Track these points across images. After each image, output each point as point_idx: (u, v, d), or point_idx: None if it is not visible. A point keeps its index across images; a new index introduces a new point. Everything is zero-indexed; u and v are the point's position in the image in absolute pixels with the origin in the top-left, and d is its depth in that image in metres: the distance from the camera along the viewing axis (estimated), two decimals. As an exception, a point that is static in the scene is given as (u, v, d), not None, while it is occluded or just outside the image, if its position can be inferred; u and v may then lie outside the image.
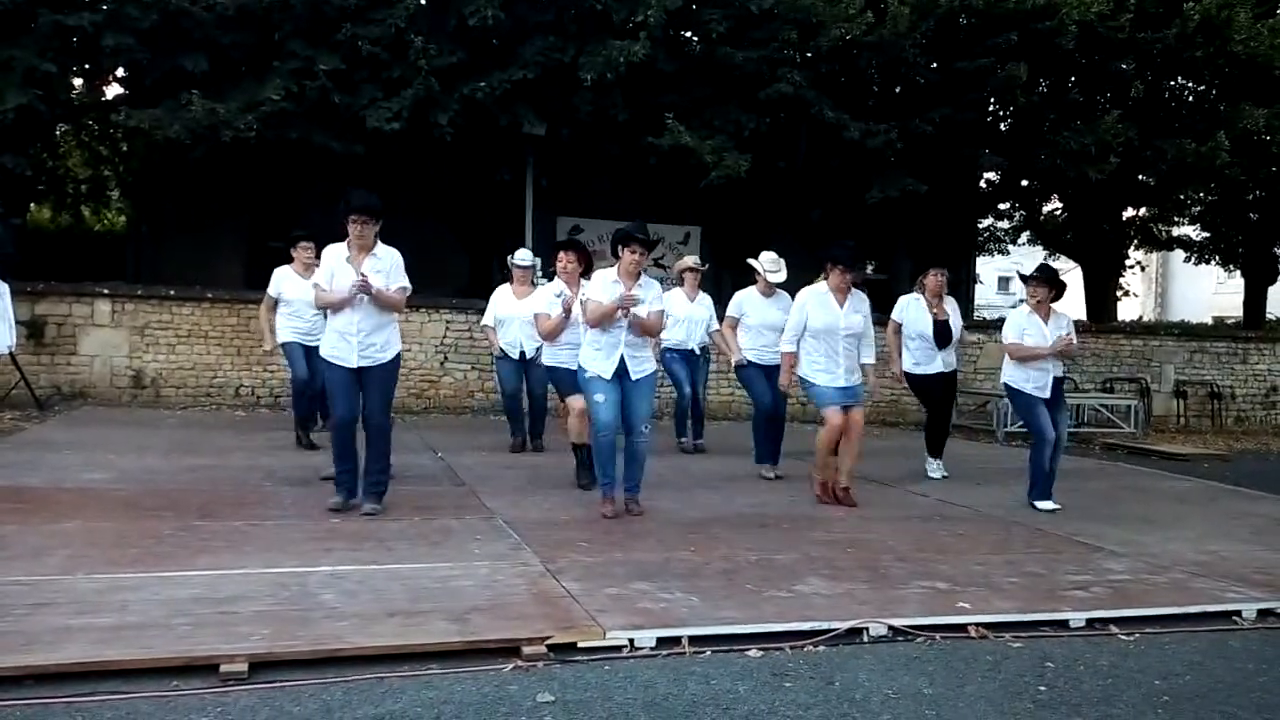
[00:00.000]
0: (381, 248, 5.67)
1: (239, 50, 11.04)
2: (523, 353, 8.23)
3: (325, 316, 5.89)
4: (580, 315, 6.10)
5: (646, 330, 5.95)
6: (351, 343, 5.59)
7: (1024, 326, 6.90)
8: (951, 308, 8.07)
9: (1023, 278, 7.18)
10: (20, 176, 11.41)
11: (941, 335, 7.88)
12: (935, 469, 8.11)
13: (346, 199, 5.54)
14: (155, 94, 11.17)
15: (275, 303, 7.92)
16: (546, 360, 7.09)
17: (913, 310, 7.99)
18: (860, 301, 6.74)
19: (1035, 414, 6.86)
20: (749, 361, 7.70)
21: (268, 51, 10.99)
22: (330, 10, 10.77)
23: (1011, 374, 6.98)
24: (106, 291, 11.22)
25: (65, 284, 11.19)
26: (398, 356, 5.80)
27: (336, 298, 5.55)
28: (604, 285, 5.88)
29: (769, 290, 7.75)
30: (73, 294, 11.05)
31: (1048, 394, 6.85)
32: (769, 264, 7.73)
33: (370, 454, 5.77)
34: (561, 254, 6.89)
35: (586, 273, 6.61)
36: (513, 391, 8.49)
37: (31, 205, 16.04)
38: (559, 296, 6.64)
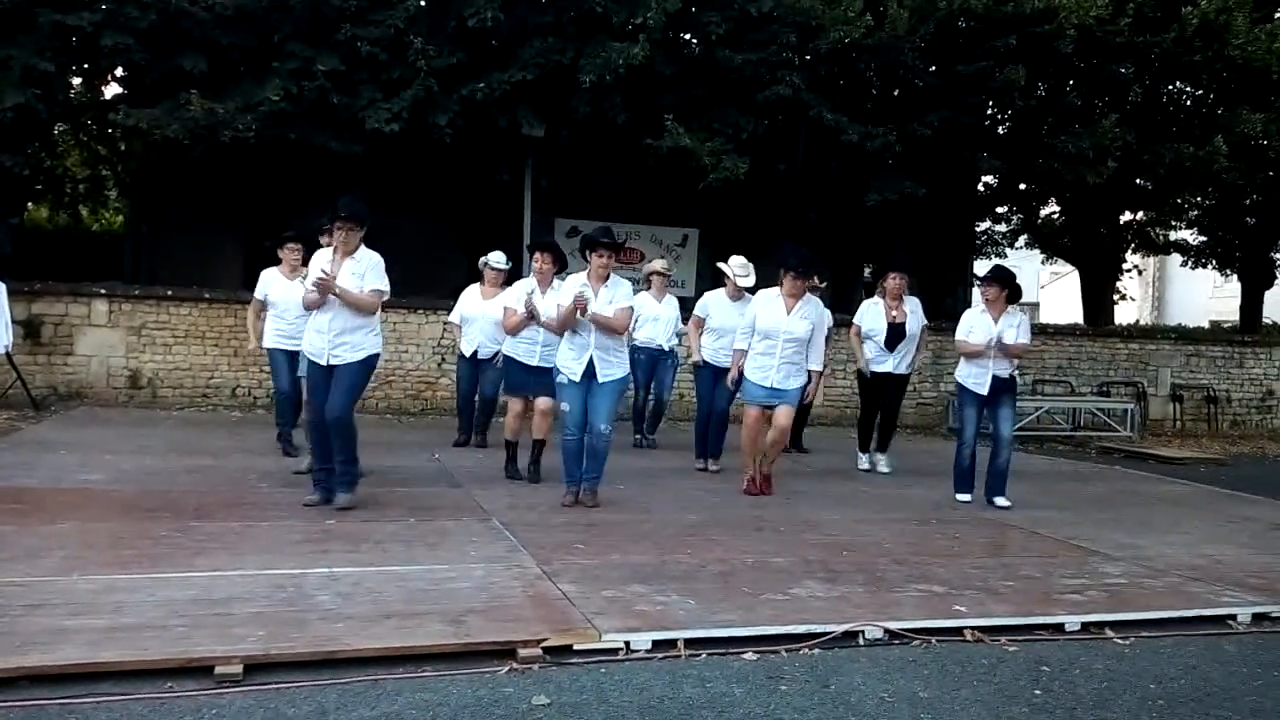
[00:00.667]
0: (362, 251, 5.78)
1: (238, 50, 11.03)
2: (474, 353, 8.44)
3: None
4: (540, 315, 6.53)
5: (612, 327, 6.15)
6: (324, 339, 5.72)
7: (971, 325, 7.03)
8: (912, 309, 8.25)
9: (976, 279, 7.32)
10: (18, 176, 11.39)
11: (893, 337, 8.14)
12: (864, 461, 8.54)
13: (334, 205, 5.72)
14: (154, 94, 11.17)
15: (263, 304, 7.90)
16: (506, 350, 7.32)
17: (869, 313, 8.30)
18: (810, 308, 6.89)
19: (964, 413, 7.14)
20: (705, 362, 8.05)
21: (267, 52, 10.98)
22: (329, 11, 10.77)
23: (959, 370, 7.23)
24: (104, 291, 11.21)
25: (62, 284, 11.17)
26: (370, 359, 5.84)
27: (310, 298, 5.73)
28: (573, 289, 6.12)
29: (737, 294, 7.93)
30: (70, 294, 11.04)
31: (984, 391, 6.96)
32: (738, 269, 7.93)
33: (335, 447, 5.81)
34: (538, 254, 7.14)
35: (560, 273, 6.97)
36: (467, 391, 8.79)
37: (29, 204, 16.02)
38: (530, 294, 6.87)
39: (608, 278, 6.22)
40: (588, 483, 6.28)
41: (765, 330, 6.79)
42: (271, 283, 7.78)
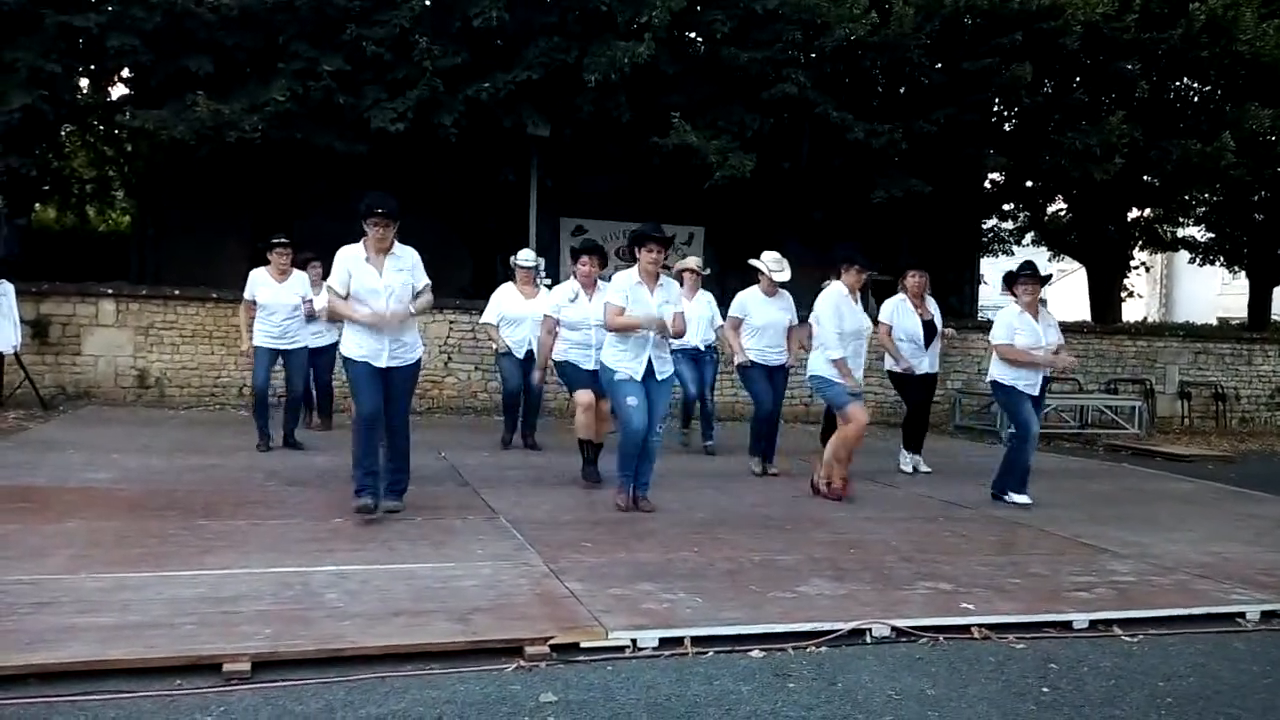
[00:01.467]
0: (399, 247, 5.65)
1: (243, 51, 11.06)
2: (528, 352, 8.31)
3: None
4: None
5: (675, 333, 6.10)
6: (383, 342, 5.56)
7: (1016, 326, 6.92)
8: (932, 307, 8.23)
9: (1011, 276, 7.10)
10: (25, 177, 11.44)
11: (929, 335, 8.11)
12: (907, 462, 8.36)
13: (367, 201, 5.49)
14: (160, 95, 11.20)
15: (253, 304, 7.95)
16: (557, 355, 7.22)
17: (901, 313, 8.16)
18: (861, 299, 7.00)
19: (1022, 410, 6.89)
20: (752, 362, 7.79)
21: (272, 53, 11.01)
22: (334, 11, 10.78)
23: (1001, 371, 7.01)
24: (111, 291, 11.25)
25: (70, 284, 11.21)
26: (420, 358, 5.86)
27: (360, 318, 5.47)
28: (628, 287, 5.98)
29: (772, 290, 7.81)
30: (77, 294, 11.07)
31: (1037, 391, 6.93)
32: (772, 263, 7.77)
33: (392, 453, 5.77)
34: (584, 257, 7.14)
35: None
36: (514, 389, 8.65)
37: (37, 205, 16.09)
38: (573, 301, 6.90)
39: (658, 275, 6.05)
40: (641, 490, 6.15)
41: (850, 332, 6.78)
42: (260, 284, 7.87)
